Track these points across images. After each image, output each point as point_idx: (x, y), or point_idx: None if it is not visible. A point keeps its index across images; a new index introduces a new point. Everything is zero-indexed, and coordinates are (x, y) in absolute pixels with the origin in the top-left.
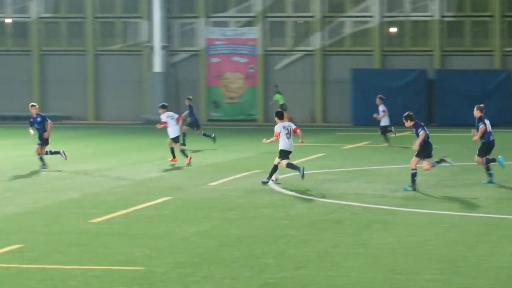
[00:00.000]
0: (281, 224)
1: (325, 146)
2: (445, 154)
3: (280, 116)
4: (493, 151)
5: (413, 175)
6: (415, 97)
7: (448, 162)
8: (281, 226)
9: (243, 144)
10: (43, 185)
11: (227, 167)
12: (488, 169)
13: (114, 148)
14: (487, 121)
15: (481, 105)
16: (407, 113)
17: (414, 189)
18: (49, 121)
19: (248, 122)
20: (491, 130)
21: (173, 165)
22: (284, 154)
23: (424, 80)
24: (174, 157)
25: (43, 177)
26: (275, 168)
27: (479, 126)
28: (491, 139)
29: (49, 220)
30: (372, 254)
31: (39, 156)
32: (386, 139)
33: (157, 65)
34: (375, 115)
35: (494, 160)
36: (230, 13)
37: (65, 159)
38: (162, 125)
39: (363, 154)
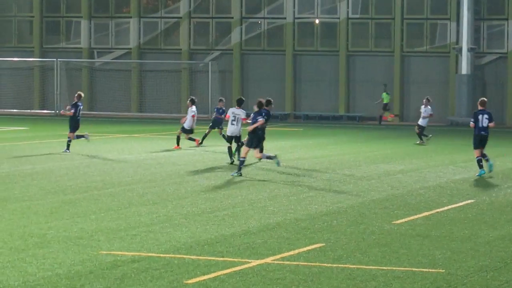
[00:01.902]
0: None
1: None
2: (275, 155)
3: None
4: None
5: (241, 162)
6: None
7: (275, 162)
8: None
9: None
10: (346, 185)
11: None
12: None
13: (419, 149)
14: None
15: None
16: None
17: (240, 175)
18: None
19: None
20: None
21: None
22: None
23: None
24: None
25: (346, 177)
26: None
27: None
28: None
29: (352, 220)
30: None
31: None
32: (420, 138)
33: (464, 67)
34: (423, 115)
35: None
36: None
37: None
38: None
39: None
